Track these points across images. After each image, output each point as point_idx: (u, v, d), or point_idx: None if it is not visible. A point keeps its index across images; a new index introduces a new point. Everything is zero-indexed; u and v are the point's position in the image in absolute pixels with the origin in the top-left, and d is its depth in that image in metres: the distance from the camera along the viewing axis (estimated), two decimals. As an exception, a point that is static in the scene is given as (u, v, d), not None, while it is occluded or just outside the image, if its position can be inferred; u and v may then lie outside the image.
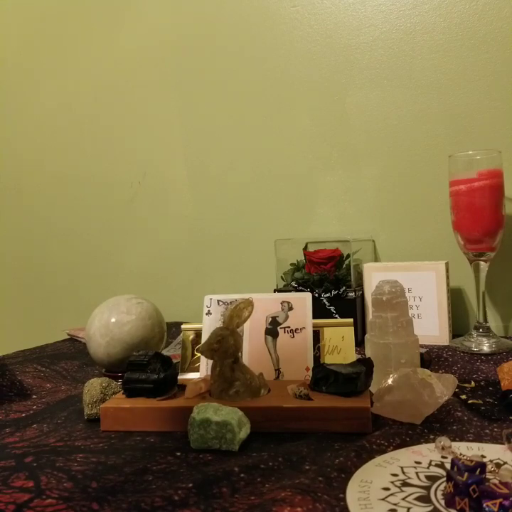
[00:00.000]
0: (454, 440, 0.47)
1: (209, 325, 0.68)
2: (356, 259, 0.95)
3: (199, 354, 0.67)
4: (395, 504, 0.36)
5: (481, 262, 0.83)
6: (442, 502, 0.36)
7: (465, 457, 0.40)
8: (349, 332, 0.67)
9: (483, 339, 0.82)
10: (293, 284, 0.93)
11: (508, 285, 0.95)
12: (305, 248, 0.98)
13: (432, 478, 0.40)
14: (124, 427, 0.54)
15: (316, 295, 0.88)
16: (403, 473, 0.41)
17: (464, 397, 0.58)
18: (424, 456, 0.44)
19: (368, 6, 1.03)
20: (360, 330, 0.88)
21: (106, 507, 0.38)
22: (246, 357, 0.65)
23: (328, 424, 0.51)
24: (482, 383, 0.63)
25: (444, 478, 0.39)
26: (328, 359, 0.66)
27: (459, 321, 0.94)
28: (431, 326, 0.87)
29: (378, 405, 0.53)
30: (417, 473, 0.41)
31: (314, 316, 0.68)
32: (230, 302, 0.69)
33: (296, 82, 1.10)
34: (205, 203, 1.21)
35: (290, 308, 0.68)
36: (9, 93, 1.45)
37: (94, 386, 0.60)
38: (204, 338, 0.67)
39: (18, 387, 0.73)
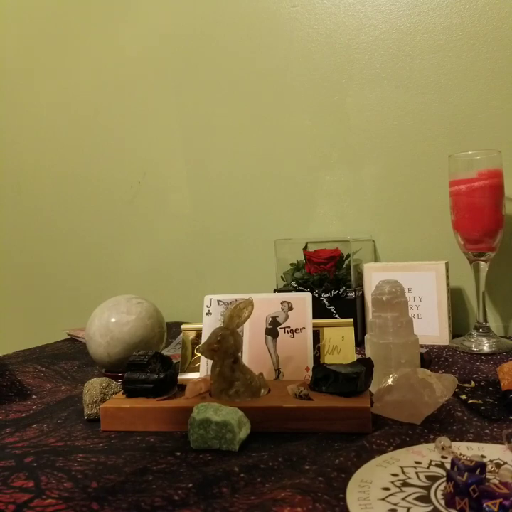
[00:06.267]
0: (454, 440, 0.47)
1: (209, 325, 0.68)
2: (356, 259, 0.95)
3: (199, 354, 0.67)
4: (395, 504, 0.36)
5: (481, 262, 0.83)
6: (442, 502, 0.36)
7: (465, 457, 0.40)
8: (349, 332, 0.67)
9: (483, 339, 0.82)
10: (293, 284, 0.93)
11: (508, 285, 0.95)
12: (305, 248, 0.98)
13: (432, 478, 0.40)
14: (124, 427, 0.54)
15: (316, 295, 0.88)
16: (403, 473, 0.41)
17: (464, 397, 0.58)
18: (424, 456, 0.44)
19: (368, 6, 1.03)
20: (360, 330, 0.88)
21: (106, 507, 0.38)
22: (246, 357, 0.65)
23: (328, 424, 0.51)
24: (482, 383, 0.63)
25: (444, 478, 0.39)
26: (328, 359, 0.66)
27: (459, 321, 0.94)
28: (431, 326, 0.87)
29: (378, 405, 0.53)
30: (417, 473, 0.41)
31: (314, 316, 0.68)
32: (230, 302, 0.69)
33: (296, 82, 1.10)
34: (205, 203, 1.21)
35: (290, 308, 0.68)
36: (9, 93, 1.45)
37: (94, 386, 0.60)
38: (204, 338, 0.67)
39: (18, 387, 0.73)
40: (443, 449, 0.44)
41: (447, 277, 0.87)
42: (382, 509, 0.35)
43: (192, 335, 0.71)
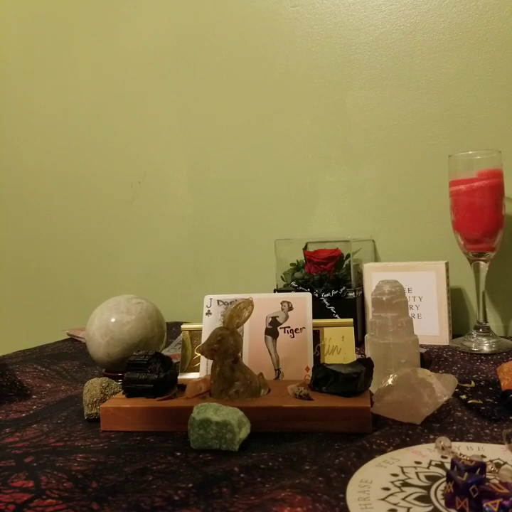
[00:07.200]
0: (454, 440, 0.47)
1: (209, 325, 0.69)
2: (356, 259, 0.95)
3: (199, 354, 0.67)
4: (395, 504, 0.36)
5: (481, 262, 0.83)
6: (442, 502, 0.36)
7: (465, 457, 0.40)
8: (349, 332, 0.67)
9: (483, 339, 0.82)
10: (293, 284, 0.93)
11: (508, 285, 0.95)
12: (305, 248, 0.98)
13: (432, 478, 0.40)
14: (124, 427, 0.54)
15: (316, 295, 0.88)
16: (403, 473, 0.41)
17: (464, 397, 0.58)
18: (424, 456, 0.44)
19: (368, 6, 1.03)
20: (360, 330, 0.88)
21: (106, 507, 0.38)
22: (246, 357, 0.65)
23: (328, 424, 0.51)
24: (482, 383, 0.63)
25: (444, 478, 0.39)
26: (328, 359, 0.66)
27: (459, 321, 0.94)
28: (431, 326, 0.87)
29: (378, 405, 0.53)
30: (417, 473, 0.41)
31: (314, 316, 0.68)
32: (230, 302, 0.69)
33: (296, 82, 1.10)
34: (205, 203, 1.21)
35: (290, 308, 0.68)
36: (10, 95, 1.45)
37: (94, 386, 0.60)
38: (204, 338, 0.67)
39: (18, 387, 0.73)
40: (443, 449, 0.44)
41: (447, 277, 0.87)
42: (382, 509, 0.35)
43: (192, 335, 0.71)
